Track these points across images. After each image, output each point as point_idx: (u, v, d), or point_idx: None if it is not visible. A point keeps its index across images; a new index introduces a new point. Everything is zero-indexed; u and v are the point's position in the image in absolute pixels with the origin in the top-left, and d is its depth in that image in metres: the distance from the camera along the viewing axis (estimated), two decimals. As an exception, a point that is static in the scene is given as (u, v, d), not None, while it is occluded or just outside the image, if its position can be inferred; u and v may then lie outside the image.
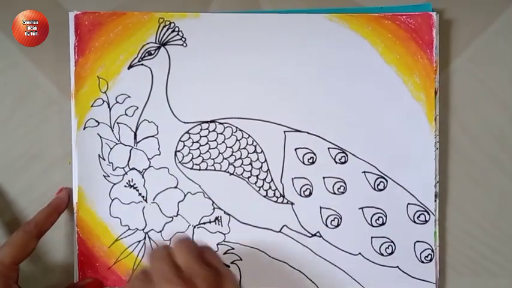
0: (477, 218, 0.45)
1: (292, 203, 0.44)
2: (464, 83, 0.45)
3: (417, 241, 0.43)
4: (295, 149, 0.44)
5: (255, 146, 0.44)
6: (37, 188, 0.45)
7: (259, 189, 0.44)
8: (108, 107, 0.44)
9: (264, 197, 0.44)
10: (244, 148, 0.44)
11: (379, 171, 0.44)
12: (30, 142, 0.45)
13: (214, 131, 0.44)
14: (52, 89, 0.45)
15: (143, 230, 0.45)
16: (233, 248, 0.44)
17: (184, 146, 0.44)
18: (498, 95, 0.45)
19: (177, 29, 0.44)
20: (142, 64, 0.44)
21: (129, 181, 0.44)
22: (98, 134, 0.44)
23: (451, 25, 0.44)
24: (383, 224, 0.44)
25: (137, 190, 0.45)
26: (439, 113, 0.44)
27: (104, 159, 0.44)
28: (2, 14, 0.45)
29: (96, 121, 0.44)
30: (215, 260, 0.36)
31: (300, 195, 0.44)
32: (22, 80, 0.45)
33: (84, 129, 0.44)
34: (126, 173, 0.44)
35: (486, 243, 0.45)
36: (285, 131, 0.44)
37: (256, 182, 0.44)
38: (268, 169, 0.44)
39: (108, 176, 0.44)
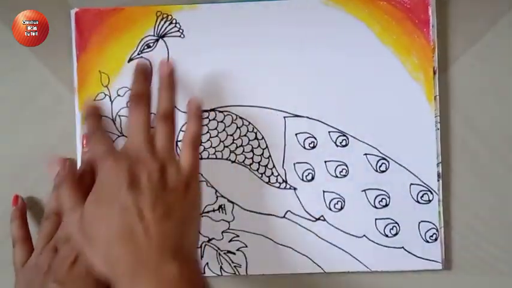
0: (482, 214, 0.44)
1: (295, 188, 0.44)
2: (466, 73, 0.44)
3: (421, 221, 0.43)
4: (296, 134, 0.44)
5: (256, 133, 0.44)
6: (46, 185, 0.46)
7: (262, 176, 0.44)
8: (110, 100, 0.45)
9: (267, 183, 0.44)
10: (245, 135, 0.45)
11: (380, 152, 0.44)
12: (39, 139, 0.46)
13: (214, 119, 0.45)
14: (60, 87, 0.46)
15: (148, 220, 0.45)
16: (238, 236, 0.44)
17: (185, 135, 0.45)
18: (500, 87, 0.44)
19: (174, 21, 0.45)
20: (141, 57, 0.45)
21: (132, 173, 0.45)
22: (101, 127, 0.45)
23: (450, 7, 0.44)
24: (386, 205, 0.44)
25: (141, 181, 0.45)
26: (441, 104, 0.44)
27: (107, 152, 0.45)
28: (6, 13, 0.45)
29: (99, 115, 0.45)
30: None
31: (303, 180, 0.44)
32: (30, 78, 0.46)
33: (87, 123, 0.45)
34: (129, 165, 0.45)
35: (491, 240, 0.44)
36: (284, 117, 0.44)
37: (258, 169, 0.44)
38: (270, 155, 0.44)
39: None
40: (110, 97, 0.45)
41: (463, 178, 0.44)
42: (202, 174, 0.44)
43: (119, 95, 0.45)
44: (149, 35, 0.45)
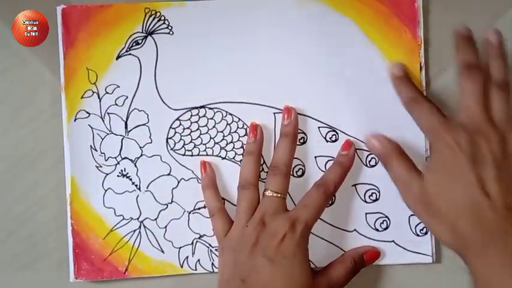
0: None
1: (285, 184, 0.44)
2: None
3: (411, 215, 0.43)
4: (286, 130, 0.44)
5: (246, 129, 0.44)
6: (46, 183, 0.45)
7: (252, 172, 0.44)
8: (98, 97, 0.45)
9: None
10: (235, 132, 0.44)
11: (370, 147, 0.44)
12: (38, 138, 0.45)
13: (204, 116, 0.44)
14: (59, 86, 0.45)
15: (138, 219, 0.44)
16: (229, 232, 0.44)
17: (175, 132, 0.44)
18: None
19: (163, 18, 0.45)
20: (130, 54, 0.44)
21: (121, 170, 0.45)
22: (89, 125, 0.45)
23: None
24: (377, 199, 0.44)
25: (130, 179, 0.45)
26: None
27: (95, 150, 0.45)
28: (6, 13, 0.45)
29: (87, 112, 0.45)
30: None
31: (293, 175, 0.44)
32: (29, 77, 0.45)
33: (75, 120, 0.44)
34: (118, 163, 0.45)
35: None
36: (274, 113, 0.44)
37: (248, 165, 0.44)
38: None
39: (101, 166, 0.45)
40: (98, 94, 0.45)
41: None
42: (192, 171, 0.44)
43: (107, 93, 0.45)
44: (137, 32, 0.45)
